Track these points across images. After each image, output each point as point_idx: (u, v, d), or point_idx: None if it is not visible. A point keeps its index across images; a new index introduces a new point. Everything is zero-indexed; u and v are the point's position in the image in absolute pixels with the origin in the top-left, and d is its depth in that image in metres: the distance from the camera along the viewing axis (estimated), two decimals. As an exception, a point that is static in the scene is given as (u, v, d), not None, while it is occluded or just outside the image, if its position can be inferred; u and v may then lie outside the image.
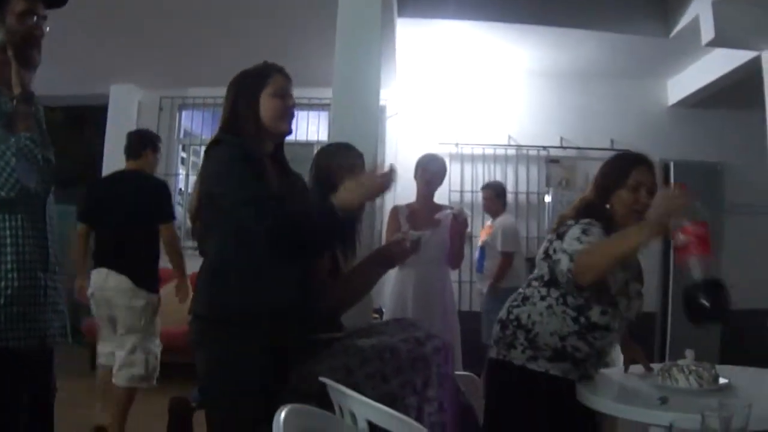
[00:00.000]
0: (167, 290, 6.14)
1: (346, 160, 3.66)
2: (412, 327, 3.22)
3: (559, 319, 3.32)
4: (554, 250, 3.31)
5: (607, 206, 3.40)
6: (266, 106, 3.12)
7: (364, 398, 2.46)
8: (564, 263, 3.15)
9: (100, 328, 6.00)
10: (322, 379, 2.62)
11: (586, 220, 3.26)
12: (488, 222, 8.15)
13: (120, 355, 5.63)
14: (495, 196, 8.25)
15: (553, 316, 3.33)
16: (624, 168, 3.42)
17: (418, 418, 2.87)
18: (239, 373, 2.89)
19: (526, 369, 3.34)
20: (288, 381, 2.98)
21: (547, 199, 9.69)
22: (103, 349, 5.95)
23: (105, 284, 5.68)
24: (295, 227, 2.89)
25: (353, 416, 2.43)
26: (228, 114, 3.17)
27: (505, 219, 8.18)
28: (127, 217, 5.75)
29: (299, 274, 3.08)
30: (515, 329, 3.40)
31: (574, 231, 3.21)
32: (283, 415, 1.90)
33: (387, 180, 3.02)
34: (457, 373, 3.55)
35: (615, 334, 3.41)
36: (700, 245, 2.94)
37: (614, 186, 3.39)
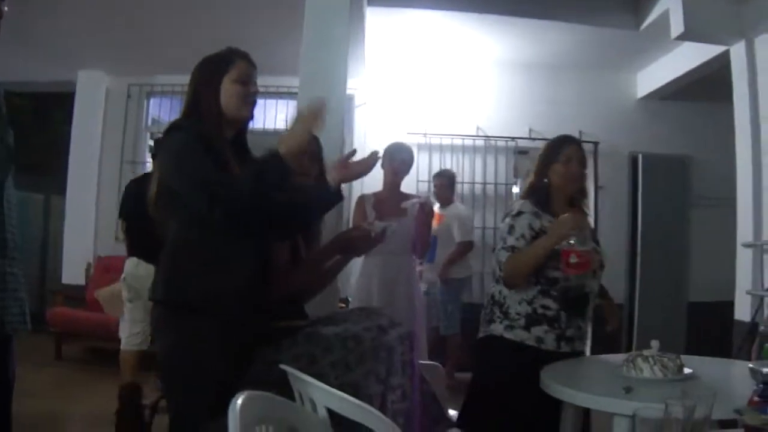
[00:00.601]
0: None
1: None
2: (375, 315, 3.18)
3: (523, 286, 3.78)
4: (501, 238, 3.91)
5: (545, 180, 3.94)
6: (228, 91, 3.08)
7: (322, 385, 2.45)
8: (496, 262, 3.90)
9: (130, 311, 6.27)
10: (282, 366, 2.59)
11: (516, 210, 3.90)
12: (437, 211, 8.09)
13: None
14: (448, 184, 8.28)
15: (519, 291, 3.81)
16: (556, 146, 4.00)
17: (382, 407, 2.84)
18: (198, 361, 2.86)
19: (505, 338, 3.80)
20: (250, 369, 2.95)
21: (515, 190, 9.69)
22: (133, 329, 6.19)
23: (136, 272, 6.11)
24: (252, 212, 2.88)
25: (313, 404, 2.41)
26: (190, 99, 3.14)
27: (458, 208, 8.25)
28: None
29: (257, 260, 3.06)
30: (491, 306, 3.93)
31: (504, 227, 3.90)
32: (240, 401, 1.86)
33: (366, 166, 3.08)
34: (421, 362, 3.55)
35: (574, 283, 3.75)
36: (581, 266, 3.56)
37: (550, 161, 3.95)
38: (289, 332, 3.09)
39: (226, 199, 2.80)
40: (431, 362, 4.23)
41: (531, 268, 3.70)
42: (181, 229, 2.98)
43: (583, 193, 4.10)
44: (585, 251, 3.56)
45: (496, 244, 4.04)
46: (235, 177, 2.90)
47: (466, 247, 8.17)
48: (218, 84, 3.08)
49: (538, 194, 3.93)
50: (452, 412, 3.83)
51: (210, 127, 3.00)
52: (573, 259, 3.53)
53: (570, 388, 3.14)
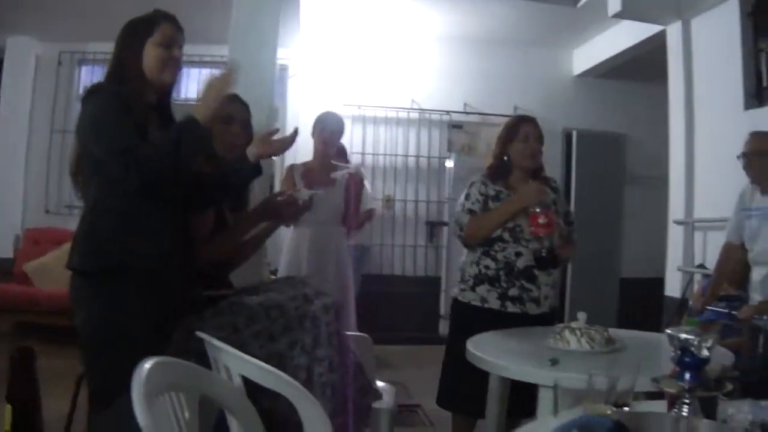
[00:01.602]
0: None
1: (222, 109, 3.52)
2: (301, 284, 3.13)
3: (472, 250, 4.24)
4: None
5: (505, 158, 4.24)
6: (150, 54, 2.98)
7: (236, 352, 2.39)
8: (453, 226, 4.41)
9: None
10: (198, 333, 2.53)
11: (470, 182, 4.32)
12: None
13: None
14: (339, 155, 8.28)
15: (469, 249, 4.27)
16: (515, 124, 4.30)
17: (308, 379, 2.79)
18: (120, 330, 2.77)
19: (460, 301, 4.25)
20: (172, 338, 2.87)
21: (449, 164, 9.65)
22: None
23: None
24: (168, 179, 2.80)
25: (229, 372, 2.36)
26: (113, 62, 3.05)
27: None
28: None
29: (177, 226, 2.98)
30: (460, 272, 4.34)
31: (461, 197, 4.30)
32: (145, 368, 1.78)
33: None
34: (349, 333, 3.52)
35: (516, 247, 4.11)
36: (551, 225, 3.92)
37: (509, 139, 4.24)
38: (214, 301, 3.02)
39: (142, 164, 2.71)
40: (359, 333, 4.19)
41: (491, 228, 4.12)
42: (99, 194, 2.88)
43: (541, 168, 4.39)
44: (551, 213, 3.94)
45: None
46: (152, 142, 2.82)
47: (368, 214, 8.12)
48: (141, 47, 2.98)
49: (499, 171, 4.26)
50: (380, 384, 3.82)
51: (131, 91, 2.91)
52: (542, 220, 3.90)
53: (494, 358, 3.13)
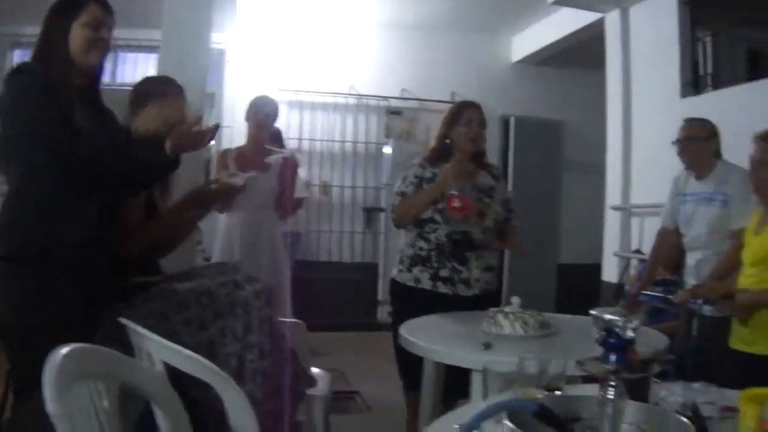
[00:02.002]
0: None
1: (157, 87, 3.44)
2: (232, 270, 3.08)
3: (408, 231, 4.33)
4: None
5: (447, 141, 4.31)
6: (76, 35, 2.89)
7: (156, 337, 2.33)
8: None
9: None
10: (121, 320, 2.47)
11: (413, 161, 4.42)
12: None
13: None
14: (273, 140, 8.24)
15: (405, 231, 4.37)
16: (459, 109, 4.39)
17: (240, 366, 2.75)
18: (43, 319, 2.68)
19: (397, 281, 4.35)
20: (100, 327, 2.80)
21: (387, 150, 9.64)
22: None
23: None
24: (93, 162, 2.73)
25: (152, 358, 2.30)
26: (39, 42, 2.96)
27: None
28: None
29: (102, 212, 2.90)
30: (399, 254, 4.43)
31: (399, 179, 4.42)
32: (58, 355, 1.69)
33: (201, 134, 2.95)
34: (283, 319, 3.48)
35: (447, 228, 4.15)
36: (466, 209, 3.99)
37: (453, 123, 4.31)
38: (144, 288, 2.95)
39: (62, 151, 2.64)
40: (293, 319, 4.15)
41: (417, 210, 4.22)
42: (22, 179, 2.80)
43: (483, 153, 4.49)
44: (466, 196, 4.00)
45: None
46: (75, 131, 2.74)
47: (298, 202, 8.09)
48: (68, 27, 2.89)
49: (440, 155, 4.34)
50: (315, 370, 3.79)
51: (56, 73, 2.83)
52: (456, 203, 3.97)
53: (426, 343, 3.12)
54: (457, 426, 1.51)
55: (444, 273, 4.19)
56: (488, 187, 4.35)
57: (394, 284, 4.41)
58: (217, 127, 3.21)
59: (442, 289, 4.18)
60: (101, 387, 1.84)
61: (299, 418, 3.41)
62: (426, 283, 4.20)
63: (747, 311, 3.73)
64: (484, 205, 4.24)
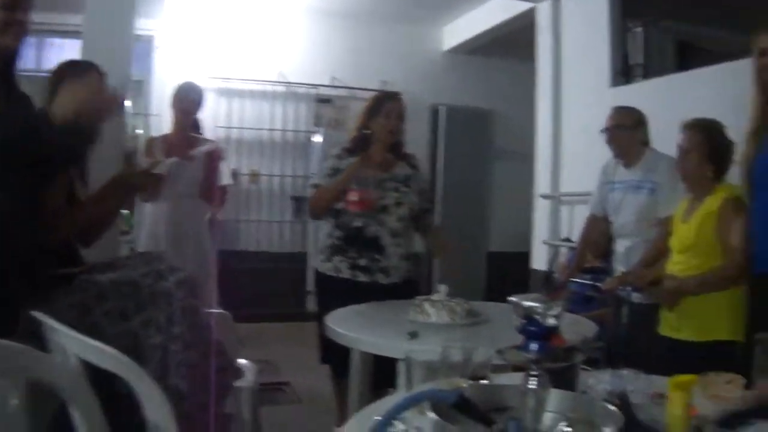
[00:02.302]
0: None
1: (71, 69, 3.35)
2: (155, 260, 3.00)
3: (327, 221, 4.46)
4: None
5: (367, 131, 4.43)
6: None
7: (64, 329, 2.26)
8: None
9: None
10: (33, 314, 2.39)
11: (332, 152, 4.58)
12: None
13: None
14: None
15: (325, 222, 4.48)
16: (380, 101, 4.51)
17: (163, 357, 2.67)
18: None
19: (318, 271, 4.50)
20: (20, 321, 2.71)
21: (316, 138, 9.58)
22: None
23: None
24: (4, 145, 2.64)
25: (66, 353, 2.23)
26: None
27: None
28: None
29: (20, 201, 2.81)
30: (320, 244, 4.56)
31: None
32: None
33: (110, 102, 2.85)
34: (209, 310, 3.42)
35: (362, 219, 4.30)
36: (363, 203, 4.20)
37: (373, 115, 4.44)
38: (64, 280, 2.87)
39: None
40: (219, 310, 4.09)
41: (327, 203, 4.37)
42: None
43: (401, 144, 4.62)
44: (365, 191, 4.21)
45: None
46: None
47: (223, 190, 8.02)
48: None
49: (359, 145, 4.45)
50: (243, 362, 3.74)
51: None
52: (353, 197, 4.19)
53: (353, 332, 3.10)
54: (377, 417, 1.47)
55: (362, 262, 4.31)
56: (405, 177, 4.48)
57: (317, 274, 4.53)
58: (124, 93, 3.12)
59: (361, 278, 4.30)
60: (7, 384, 1.77)
61: (227, 410, 3.35)
62: (345, 273, 4.32)
63: (674, 298, 3.75)
64: (391, 198, 4.37)
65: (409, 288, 4.32)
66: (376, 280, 4.30)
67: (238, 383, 3.33)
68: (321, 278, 4.47)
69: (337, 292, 4.23)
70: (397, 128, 4.47)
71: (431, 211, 4.73)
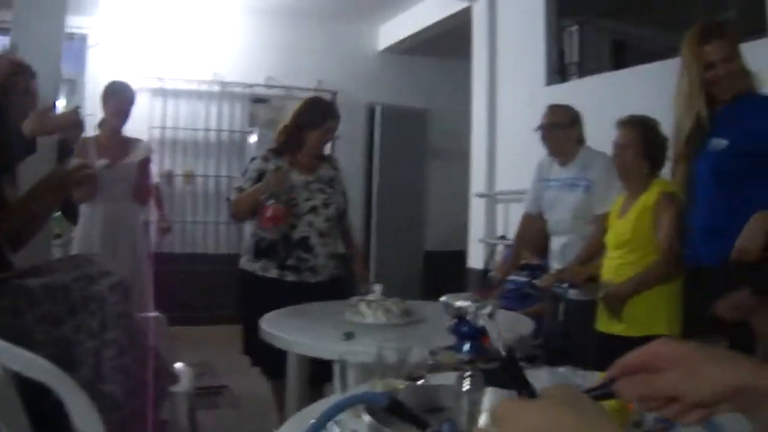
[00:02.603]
0: None
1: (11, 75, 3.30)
2: (86, 264, 2.95)
3: (253, 221, 4.45)
4: None
5: (299, 133, 4.45)
6: None
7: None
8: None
9: None
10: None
11: (256, 154, 4.71)
12: None
13: None
14: None
15: (251, 223, 4.51)
16: (324, 116, 4.53)
17: (97, 364, 2.62)
18: None
19: (245, 270, 4.46)
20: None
21: (252, 139, 9.52)
22: None
23: None
24: None
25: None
26: None
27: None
28: None
29: None
30: (246, 243, 4.64)
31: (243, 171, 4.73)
32: None
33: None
34: (144, 314, 3.38)
35: (292, 219, 4.33)
36: (274, 219, 4.20)
37: (312, 127, 4.46)
38: (-1, 285, 2.80)
39: None
40: (154, 314, 4.03)
41: (246, 209, 4.40)
42: None
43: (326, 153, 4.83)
44: (280, 208, 4.22)
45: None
46: None
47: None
48: None
49: (288, 146, 4.50)
50: (178, 366, 3.70)
51: None
52: (268, 213, 4.19)
53: (288, 335, 3.08)
54: (311, 421, 1.45)
55: (291, 262, 4.37)
56: (329, 178, 4.58)
57: (243, 273, 4.51)
58: (77, 112, 3.09)
59: (290, 277, 4.36)
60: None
61: (163, 417, 3.31)
62: (273, 272, 4.37)
63: (616, 307, 3.79)
64: (319, 199, 4.46)
65: (336, 286, 4.44)
66: (304, 279, 4.37)
67: (174, 388, 3.29)
68: (247, 277, 4.47)
69: (265, 292, 4.29)
70: (330, 143, 4.80)
71: (347, 213, 4.77)
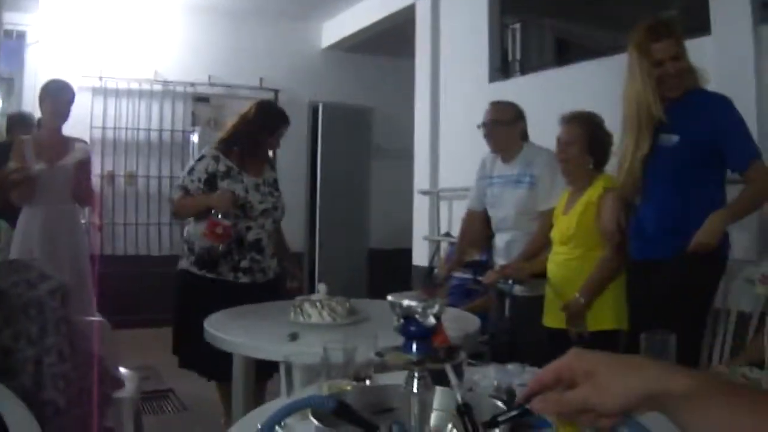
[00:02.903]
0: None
1: None
2: (24, 269, 2.89)
3: (199, 222, 4.36)
4: None
5: (251, 136, 4.47)
6: None
7: None
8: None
9: None
10: None
11: (200, 154, 4.55)
12: None
13: None
14: None
15: (198, 224, 4.37)
16: (278, 123, 4.60)
17: (37, 371, 2.57)
18: None
19: (190, 272, 4.40)
20: None
21: (194, 138, 9.44)
22: None
23: None
24: None
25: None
26: None
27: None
28: None
29: None
30: (182, 244, 4.60)
31: (187, 167, 4.59)
32: None
33: None
34: (86, 318, 3.33)
35: (246, 221, 4.38)
36: (222, 236, 4.20)
37: (261, 134, 4.52)
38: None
39: None
40: (97, 318, 3.97)
41: (192, 214, 4.44)
42: None
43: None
44: (228, 225, 4.21)
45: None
46: None
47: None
48: None
49: (240, 149, 4.49)
50: (123, 370, 3.65)
51: None
52: (219, 230, 4.17)
53: (232, 337, 3.04)
54: (258, 426, 1.42)
55: (245, 264, 4.40)
56: (273, 180, 4.68)
57: (188, 276, 4.44)
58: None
59: (243, 279, 4.39)
60: None
61: (108, 423, 3.26)
62: (227, 275, 4.37)
63: (576, 319, 3.79)
64: (269, 202, 4.52)
65: (281, 284, 4.63)
66: (255, 279, 4.43)
67: (118, 393, 3.25)
68: (194, 280, 4.41)
69: (215, 294, 4.21)
70: (276, 146, 4.79)
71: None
